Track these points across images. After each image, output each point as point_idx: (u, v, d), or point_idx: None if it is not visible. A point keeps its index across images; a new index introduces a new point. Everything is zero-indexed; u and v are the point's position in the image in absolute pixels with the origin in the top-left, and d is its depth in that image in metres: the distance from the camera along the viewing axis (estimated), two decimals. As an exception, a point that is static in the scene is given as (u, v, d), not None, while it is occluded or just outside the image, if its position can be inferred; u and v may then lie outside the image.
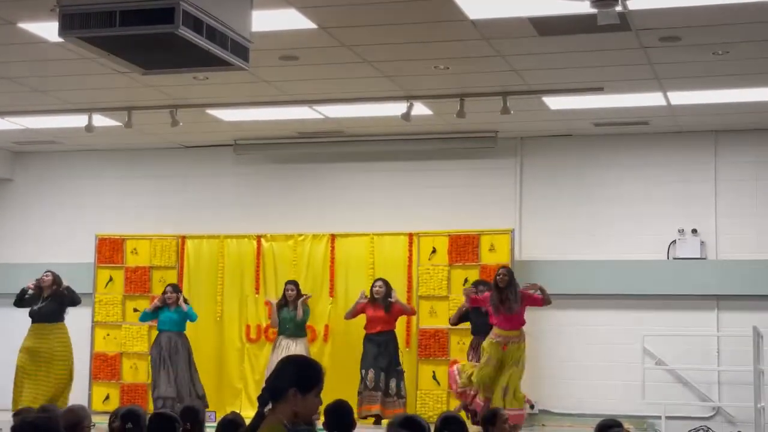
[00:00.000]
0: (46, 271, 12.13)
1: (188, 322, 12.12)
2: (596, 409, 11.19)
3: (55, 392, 11.80)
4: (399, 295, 12.13)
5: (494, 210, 12.52)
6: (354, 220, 12.81)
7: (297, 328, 11.98)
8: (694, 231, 12.04)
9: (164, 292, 12.12)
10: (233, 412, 6.93)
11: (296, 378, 4.02)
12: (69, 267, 12.78)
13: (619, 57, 9.13)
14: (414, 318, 12.30)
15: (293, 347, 11.83)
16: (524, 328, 10.79)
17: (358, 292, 12.31)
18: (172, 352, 11.91)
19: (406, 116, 10.67)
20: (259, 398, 4.06)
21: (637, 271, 12.02)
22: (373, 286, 11.90)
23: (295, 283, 12.17)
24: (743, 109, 11.06)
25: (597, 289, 12.14)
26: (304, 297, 12.05)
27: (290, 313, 11.98)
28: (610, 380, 11.99)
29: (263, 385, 4.14)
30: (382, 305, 11.79)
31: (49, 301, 11.97)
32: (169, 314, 12.03)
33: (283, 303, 12.07)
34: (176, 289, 12.21)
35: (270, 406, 4.05)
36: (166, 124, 11.36)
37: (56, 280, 12.06)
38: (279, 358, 12.87)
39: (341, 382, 11.99)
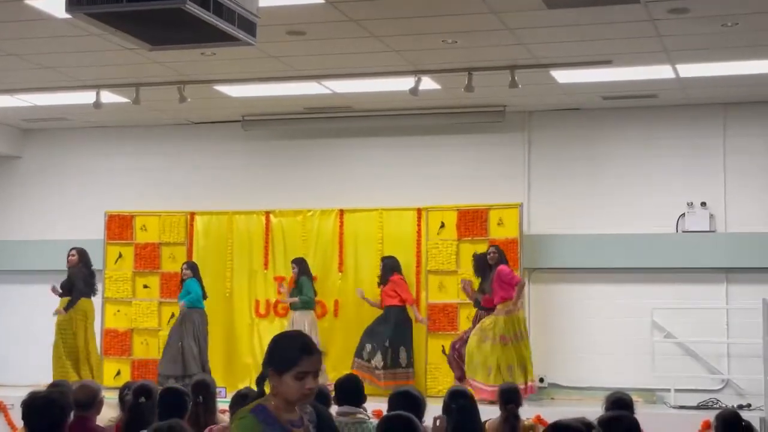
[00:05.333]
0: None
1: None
2: (605, 383, 11.19)
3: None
4: (407, 270, 12.22)
5: (503, 184, 12.50)
6: (362, 195, 12.81)
7: (303, 304, 12.15)
8: (703, 204, 12.00)
9: (182, 270, 12.41)
10: (247, 388, 6.97)
11: (270, 357, 3.63)
12: (78, 244, 12.76)
13: (627, 29, 9.09)
14: (423, 292, 12.33)
15: (300, 320, 12.06)
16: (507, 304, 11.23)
17: (367, 267, 12.50)
18: (177, 325, 12.21)
19: (414, 91, 10.64)
20: (257, 379, 3.70)
21: (646, 245, 12.01)
22: None
23: (297, 261, 12.36)
24: (752, 81, 11.00)
25: (606, 262, 12.13)
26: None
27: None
28: (619, 353, 11.99)
29: None
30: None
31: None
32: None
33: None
34: (189, 266, 12.40)
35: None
36: (173, 100, 11.35)
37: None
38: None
39: (351, 357, 12.04)
